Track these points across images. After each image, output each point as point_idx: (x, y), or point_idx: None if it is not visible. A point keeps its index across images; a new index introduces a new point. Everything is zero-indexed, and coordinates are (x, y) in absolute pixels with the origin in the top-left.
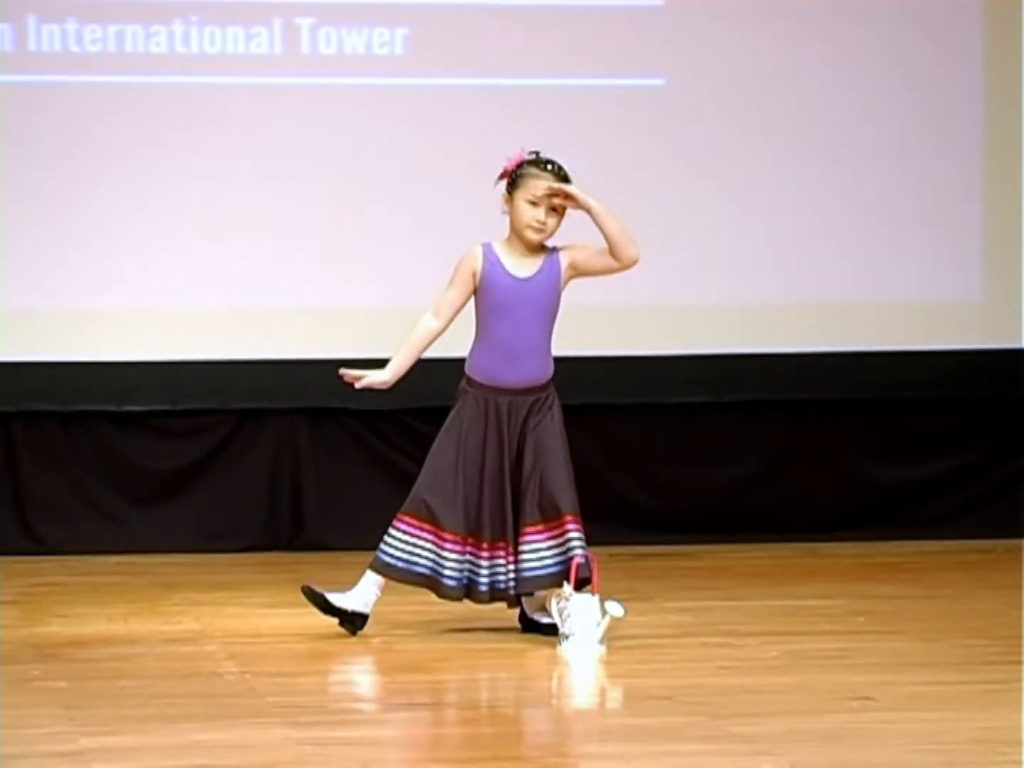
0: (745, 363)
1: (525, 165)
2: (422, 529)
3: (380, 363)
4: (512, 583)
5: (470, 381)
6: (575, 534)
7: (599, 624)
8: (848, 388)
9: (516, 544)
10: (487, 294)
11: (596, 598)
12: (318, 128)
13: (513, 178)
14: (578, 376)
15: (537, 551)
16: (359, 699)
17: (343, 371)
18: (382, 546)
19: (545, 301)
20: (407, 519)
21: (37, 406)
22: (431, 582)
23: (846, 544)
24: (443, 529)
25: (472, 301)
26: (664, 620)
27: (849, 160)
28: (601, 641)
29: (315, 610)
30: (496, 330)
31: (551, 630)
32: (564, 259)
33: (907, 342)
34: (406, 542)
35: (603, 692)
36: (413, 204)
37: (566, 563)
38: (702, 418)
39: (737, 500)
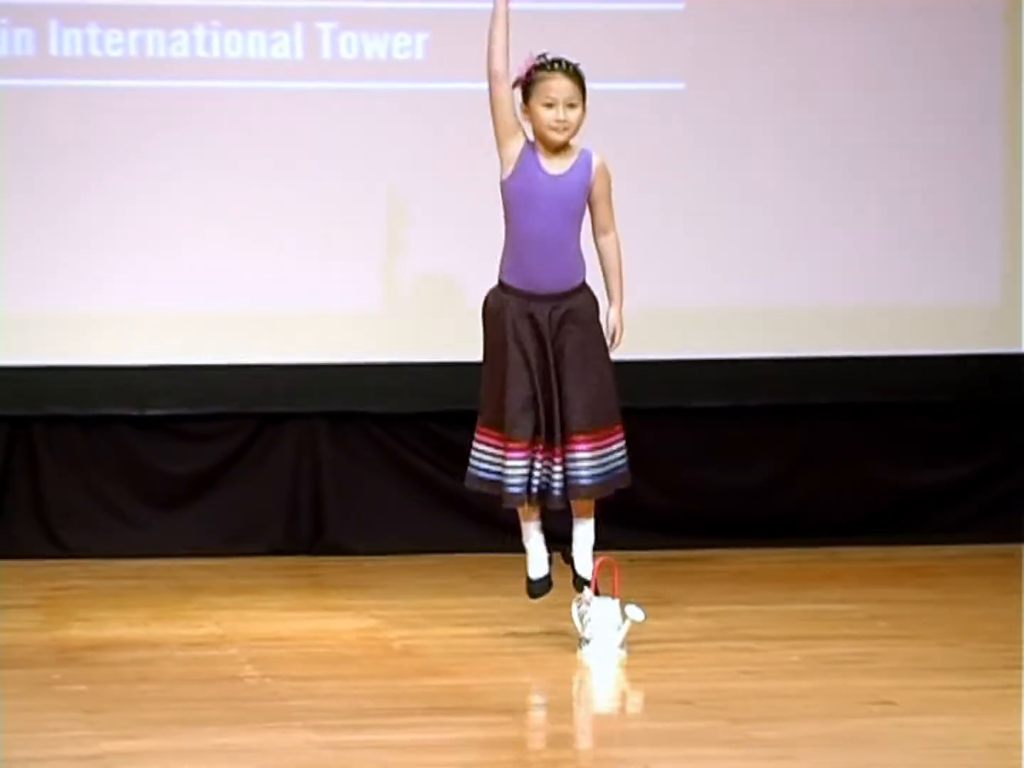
0: (765, 367)
1: (534, 71)
2: (491, 437)
3: (394, 368)
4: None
5: (502, 285)
6: (616, 446)
7: (620, 628)
8: (868, 392)
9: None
10: (520, 182)
11: (617, 602)
12: (339, 132)
13: (525, 87)
14: None
15: (581, 460)
16: (380, 703)
17: None
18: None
19: (572, 198)
20: (482, 429)
21: (58, 410)
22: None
23: (867, 548)
24: (509, 439)
25: (500, 198)
26: (685, 624)
27: (869, 164)
28: (622, 645)
29: (337, 615)
30: (523, 225)
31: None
32: (595, 166)
33: (927, 346)
34: (483, 452)
35: (623, 696)
36: (436, 208)
37: (609, 474)
38: (722, 422)
39: (757, 504)
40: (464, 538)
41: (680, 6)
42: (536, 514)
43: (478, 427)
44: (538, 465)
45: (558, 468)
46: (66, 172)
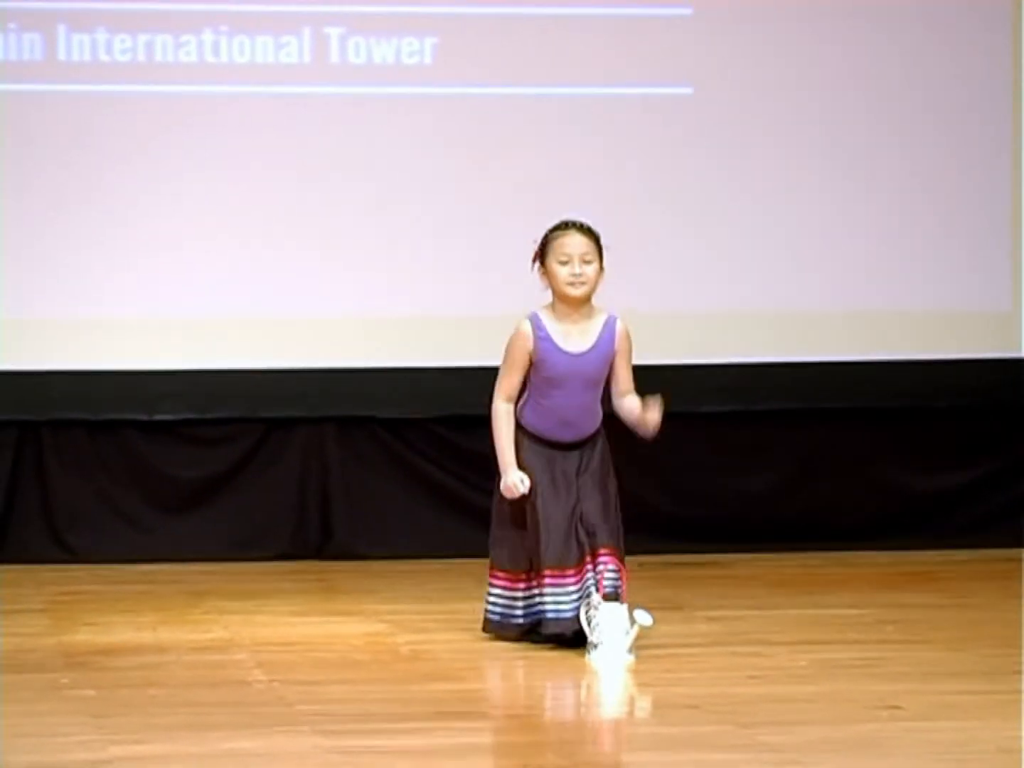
0: (774, 372)
1: (548, 233)
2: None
3: (402, 372)
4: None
5: (522, 429)
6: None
7: (628, 633)
8: (878, 397)
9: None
10: (541, 369)
11: (625, 607)
12: (347, 137)
13: (541, 248)
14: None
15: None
16: (388, 707)
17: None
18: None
19: (598, 373)
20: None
21: (66, 415)
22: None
23: (875, 553)
24: (556, 568)
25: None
26: (693, 629)
27: (877, 169)
28: (630, 650)
29: (345, 619)
30: (550, 397)
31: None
32: (619, 335)
33: (937, 351)
34: (500, 596)
35: (632, 701)
36: (443, 213)
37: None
38: (731, 427)
39: (766, 509)
40: (472, 542)
41: (688, 11)
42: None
43: (493, 572)
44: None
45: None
46: (75, 177)
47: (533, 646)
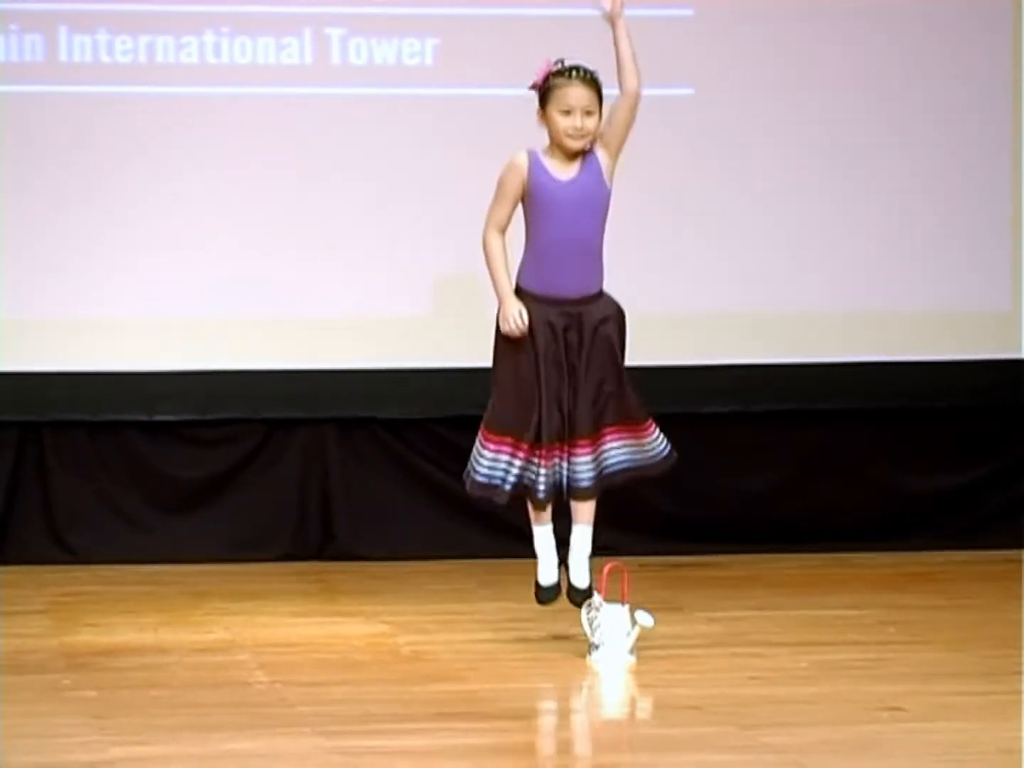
0: (774, 373)
1: (551, 77)
2: (502, 443)
3: (403, 373)
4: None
5: (520, 292)
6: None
7: (629, 634)
8: (878, 398)
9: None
10: (535, 198)
11: (626, 608)
12: (348, 138)
13: (543, 92)
14: None
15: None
16: (389, 708)
17: None
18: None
19: (593, 198)
20: (490, 435)
21: (66, 416)
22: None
23: (876, 554)
24: (535, 443)
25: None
26: (694, 630)
27: (879, 169)
28: (631, 651)
29: (346, 620)
30: (545, 232)
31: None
32: (599, 150)
33: (937, 352)
34: (490, 459)
35: (633, 702)
36: (443, 214)
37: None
38: (731, 428)
39: (766, 510)
40: (473, 543)
41: (689, 12)
42: (549, 516)
43: (485, 433)
44: (557, 464)
45: (582, 461)
46: (75, 178)
47: (534, 647)
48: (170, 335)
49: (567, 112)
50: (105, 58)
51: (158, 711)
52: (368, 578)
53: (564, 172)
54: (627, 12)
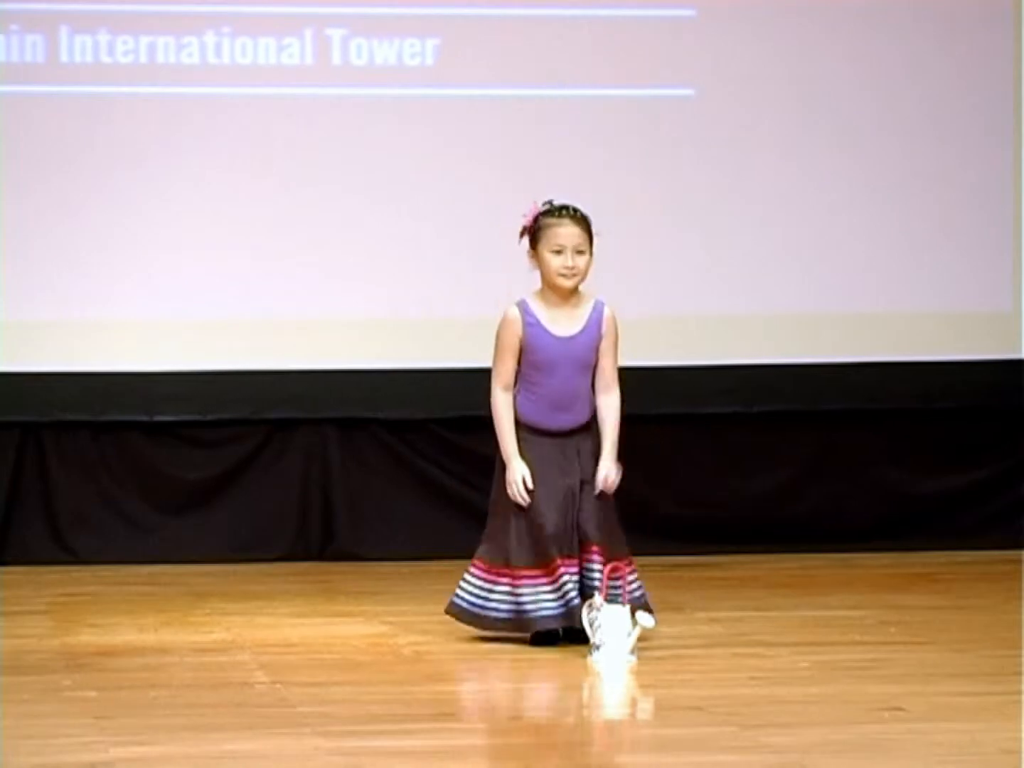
0: (776, 373)
1: (541, 217)
2: (500, 574)
3: (404, 374)
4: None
5: (517, 422)
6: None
7: (630, 634)
8: (879, 398)
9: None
10: (531, 354)
11: (627, 608)
12: (349, 138)
13: (534, 232)
14: None
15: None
16: (390, 709)
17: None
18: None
19: (587, 357)
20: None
21: (68, 416)
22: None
23: (877, 554)
24: (517, 568)
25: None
26: (695, 630)
27: (878, 171)
28: (632, 651)
29: (347, 621)
30: (541, 384)
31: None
32: (607, 323)
33: (939, 352)
34: (480, 587)
35: (634, 702)
36: (444, 215)
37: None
38: (733, 429)
39: (768, 510)
40: (474, 544)
41: (690, 13)
42: None
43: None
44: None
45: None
46: (77, 178)
47: (535, 648)
48: (171, 336)
49: (558, 251)
50: (106, 58)
51: (159, 711)
52: (369, 579)
53: (561, 326)
54: (629, 11)
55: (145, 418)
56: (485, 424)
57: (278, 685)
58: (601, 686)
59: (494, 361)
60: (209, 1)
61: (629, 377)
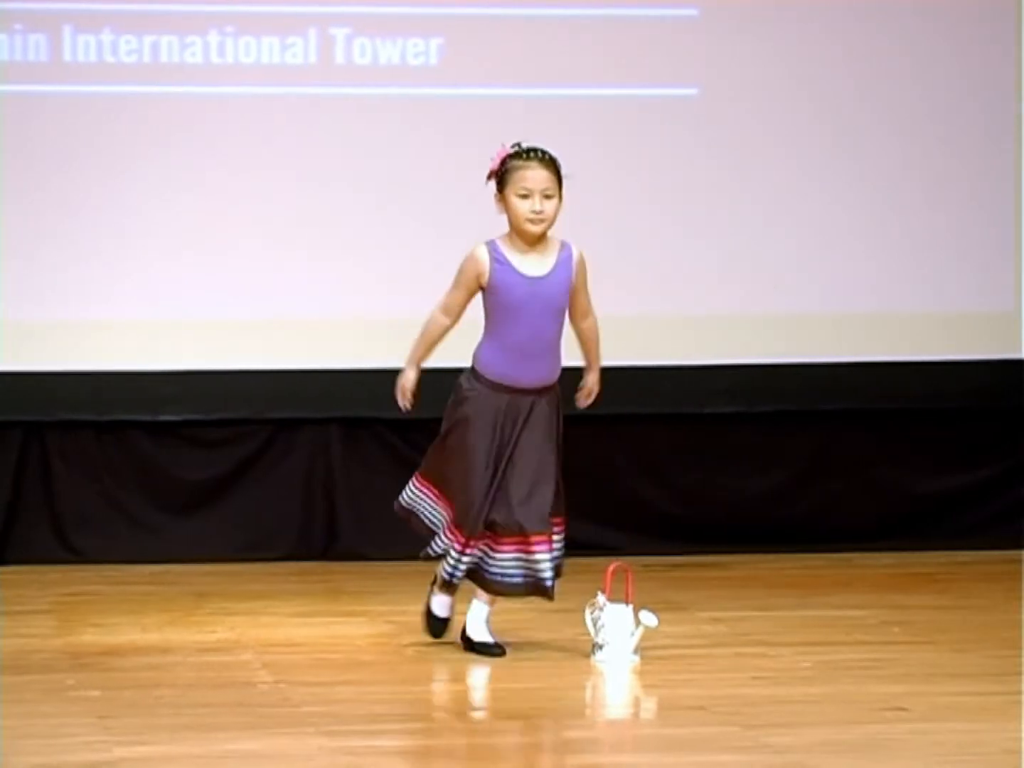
0: (777, 373)
1: (508, 160)
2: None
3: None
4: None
5: (477, 376)
6: (541, 553)
7: (633, 634)
8: (881, 398)
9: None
10: (498, 295)
11: (630, 608)
12: (352, 138)
13: (500, 176)
14: (610, 386)
15: (504, 562)
16: (394, 708)
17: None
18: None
19: (559, 299)
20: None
21: (71, 416)
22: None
23: (879, 554)
24: (464, 532)
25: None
26: (697, 630)
27: (882, 170)
28: (635, 651)
29: (351, 620)
30: (510, 331)
31: (485, 649)
32: (576, 262)
33: (939, 353)
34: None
35: (637, 702)
36: (448, 214)
37: (532, 578)
38: (734, 428)
39: (770, 510)
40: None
41: (694, 12)
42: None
43: (419, 476)
44: (478, 553)
45: (496, 556)
46: (80, 177)
47: (539, 649)
48: (175, 336)
49: (525, 196)
50: (109, 58)
51: (162, 711)
52: (372, 578)
53: (530, 266)
54: (632, 11)
55: (148, 418)
56: None
57: (281, 685)
58: (604, 685)
59: (446, 292)
60: (213, 0)
61: (631, 377)
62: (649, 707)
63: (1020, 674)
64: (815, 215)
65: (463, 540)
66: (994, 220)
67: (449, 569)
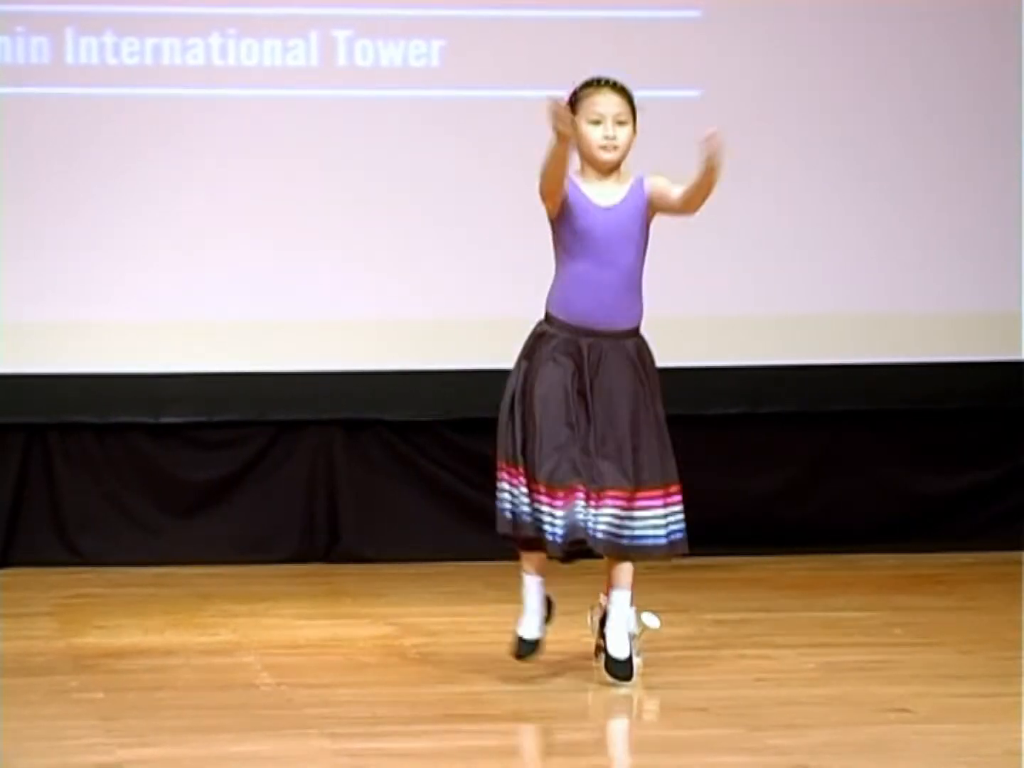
0: (782, 374)
1: (580, 89)
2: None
3: (410, 375)
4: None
5: (549, 319)
6: (607, 510)
7: (635, 636)
8: (885, 399)
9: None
10: (570, 222)
11: (633, 610)
12: (354, 140)
13: (571, 105)
14: None
15: (619, 517)
16: (396, 710)
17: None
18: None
19: (632, 228)
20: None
21: (73, 418)
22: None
23: (883, 556)
24: (545, 483)
25: (551, 233)
26: (701, 631)
27: (886, 170)
28: (638, 652)
29: (353, 622)
30: (580, 263)
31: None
32: (649, 187)
33: (945, 353)
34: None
35: (639, 704)
36: (450, 216)
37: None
38: (739, 429)
39: (774, 511)
40: (480, 546)
41: (696, 14)
42: (543, 566)
43: (500, 465)
44: (580, 511)
45: (605, 515)
46: (82, 179)
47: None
48: (177, 337)
49: (597, 122)
50: (111, 60)
51: (165, 713)
52: (374, 580)
53: (603, 196)
54: (635, 13)
55: (151, 420)
56: (492, 426)
57: (284, 686)
58: (606, 687)
59: None
60: (214, 3)
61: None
62: (652, 709)
63: (1023, 675)
64: (818, 217)
65: (526, 481)
66: (997, 221)
67: (523, 518)
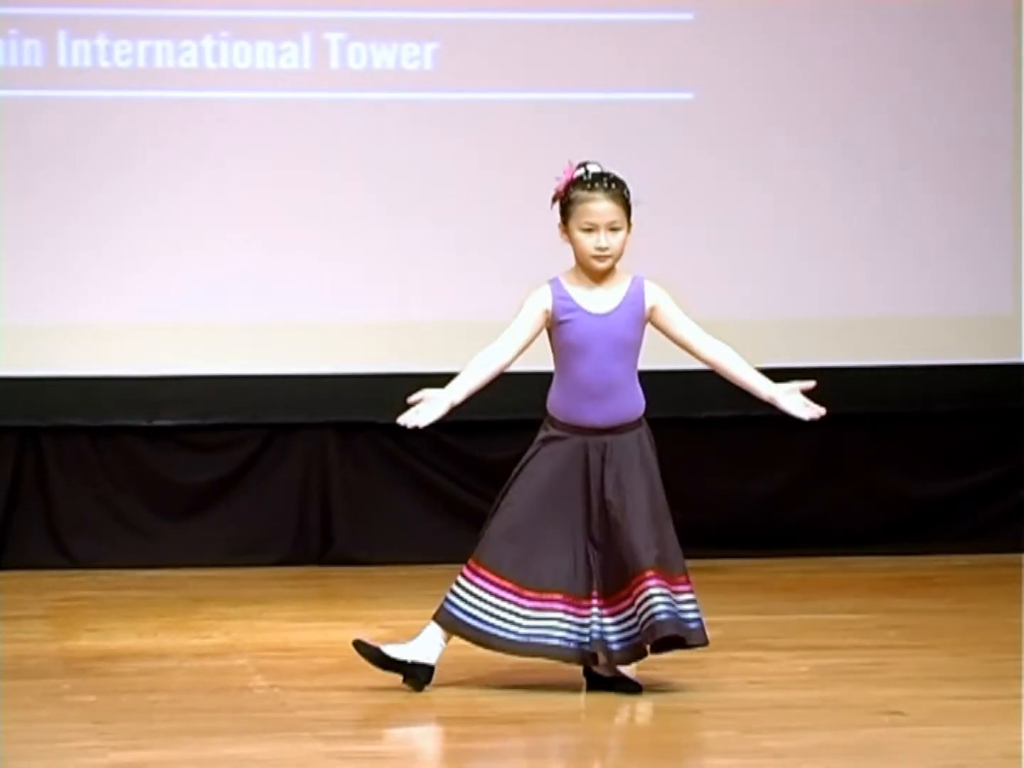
0: (776, 377)
1: (572, 189)
2: (502, 587)
3: (404, 378)
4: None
5: (552, 421)
6: (654, 591)
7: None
8: (880, 402)
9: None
10: (563, 334)
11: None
12: (348, 143)
13: (564, 206)
14: None
15: (622, 619)
16: (388, 713)
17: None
18: (450, 597)
19: (625, 335)
20: (483, 571)
21: (67, 421)
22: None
23: (877, 558)
24: (526, 587)
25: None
26: None
27: (880, 174)
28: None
29: (346, 625)
30: (576, 369)
31: (623, 686)
32: (650, 299)
33: (939, 356)
34: (480, 598)
35: (632, 706)
36: (443, 219)
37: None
38: (733, 432)
39: (767, 514)
40: (472, 548)
41: (689, 16)
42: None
43: (473, 565)
44: (585, 619)
45: (622, 615)
46: (76, 182)
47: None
48: (170, 340)
49: (590, 230)
50: (104, 63)
51: (157, 716)
52: (368, 583)
53: (596, 303)
54: (628, 15)
55: (144, 422)
56: (485, 429)
57: (276, 689)
58: (600, 691)
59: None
60: (208, 5)
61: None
62: (645, 711)
63: (1018, 678)
64: (813, 220)
65: (516, 590)
66: (994, 224)
67: (485, 626)
